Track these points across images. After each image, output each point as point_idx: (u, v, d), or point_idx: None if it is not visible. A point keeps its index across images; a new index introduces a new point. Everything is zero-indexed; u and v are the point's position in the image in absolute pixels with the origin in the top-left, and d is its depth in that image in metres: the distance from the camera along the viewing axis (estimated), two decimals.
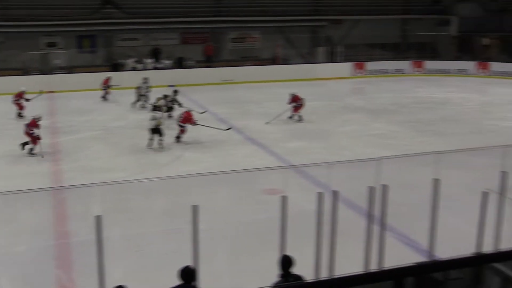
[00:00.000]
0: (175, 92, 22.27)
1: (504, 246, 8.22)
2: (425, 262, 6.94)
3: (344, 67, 34.19)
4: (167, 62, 32.76)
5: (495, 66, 34.28)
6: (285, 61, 34.97)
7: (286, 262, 6.97)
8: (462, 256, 3.87)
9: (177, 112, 20.40)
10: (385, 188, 8.13)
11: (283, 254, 7.42)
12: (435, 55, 37.57)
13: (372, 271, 7.76)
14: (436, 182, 8.38)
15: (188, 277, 6.74)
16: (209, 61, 34.33)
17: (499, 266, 7.02)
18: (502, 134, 19.54)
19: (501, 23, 39.13)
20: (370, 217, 8.32)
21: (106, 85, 26.08)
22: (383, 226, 8.37)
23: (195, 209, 7.35)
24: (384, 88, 29.80)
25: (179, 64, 33.11)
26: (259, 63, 34.11)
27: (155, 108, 20.58)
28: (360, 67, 34.38)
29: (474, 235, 8.56)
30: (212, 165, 15.81)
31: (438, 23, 38.97)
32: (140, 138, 18.42)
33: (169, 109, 21.56)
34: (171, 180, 12.43)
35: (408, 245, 10.63)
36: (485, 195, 8.46)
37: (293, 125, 21.08)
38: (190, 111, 19.18)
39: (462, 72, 34.66)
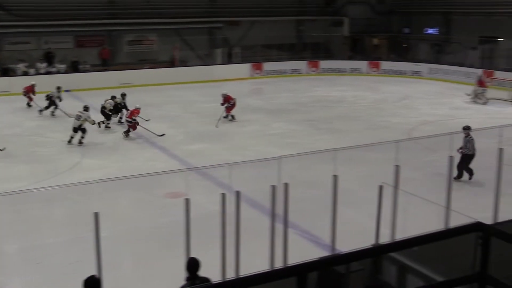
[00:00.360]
0: (123, 95, 22.11)
1: (399, 236, 8.62)
2: (327, 256, 7.16)
3: (242, 68, 34.53)
4: (61, 67, 31.65)
5: (385, 65, 35.93)
6: (183, 63, 34.80)
7: (193, 264, 6.94)
8: (361, 248, 4.03)
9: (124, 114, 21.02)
10: (286, 186, 8.30)
11: (189, 257, 7.40)
12: (330, 55, 38.78)
13: (276, 268, 7.91)
14: (335, 178, 8.67)
15: (93, 287, 6.55)
16: (105, 64, 33.53)
17: (395, 255, 7.37)
18: (394, 130, 20.47)
19: (389, 24, 41.05)
20: (273, 215, 8.46)
21: (29, 92, 24.43)
22: (286, 223, 8.54)
23: (96, 217, 7.18)
24: (282, 88, 30.38)
25: (74, 68, 32.09)
26: (157, 66, 33.73)
27: (103, 108, 20.64)
28: (258, 67, 34.86)
29: (372, 228, 8.93)
30: (113, 170, 15.46)
31: (331, 24, 40.25)
32: (37, 146, 17.70)
33: (117, 110, 21.41)
34: (71, 188, 12.05)
35: (311, 241, 10.91)
36: (381, 189, 8.84)
37: (193, 128, 21.02)
38: (138, 108, 19.76)
39: (355, 71, 36.04)
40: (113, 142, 19.04)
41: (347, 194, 10.79)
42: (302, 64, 36.13)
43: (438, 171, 12.78)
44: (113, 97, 21.50)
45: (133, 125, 19.51)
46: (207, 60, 36.23)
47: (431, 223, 8.55)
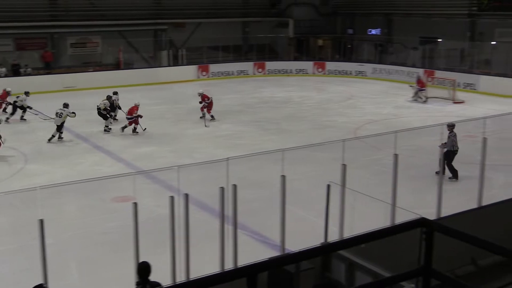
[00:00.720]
0: (115, 93, 22.19)
1: (347, 234, 8.77)
2: (277, 256, 7.22)
3: (188, 70, 34.38)
4: (1, 70, 30.74)
5: (330, 65, 36.44)
6: (128, 65, 34.38)
7: (143, 269, 6.89)
8: (310, 247, 4.08)
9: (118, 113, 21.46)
10: (235, 187, 8.32)
11: (139, 261, 7.33)
12: (275, 56, 39.07)
13: (226, 270, 7.92)
14: (283, 178, 8.74)
15: None
16: (48, 67, 32.77)
17: (344, 253, 7.50)
18: (340, 129, 20.79)
19: (333, 25, 41.69)
20: (222, 217, 8.46)
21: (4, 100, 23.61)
22: (235, 225, 8.55)
23: (41, 224, 7.02)
24: (229, 90, 30.40)
25: (15, 71, 31.21)
26: (102, 69, 33.21)
27: (98, 109, 20.71)
28: (204, 69, 34.77)
29: (321, 226, 9.04)
30: (58, 176, 15.11)
31: (276, 25, 40.55)
32: None
33: (113, 109, 21.30)
34: (14, 195, 11.74)
35: (261, 242, 10.96)
36: (328, 188, 8.96)
37: (140, 131, 20.79)
38: (137, 105, 20.22)
39: (301, 72, 36.39)
40: (58, 147, 18.62)
41: (296, 193, 10.89)
42: (248, 66, 36.24)
43: (384, 169, 13.06)
44: (108, 97, 21.38)
45: (135, 120, 20.04)
46: (152, 62, 35.91)
47: (378, 220, 8.71)
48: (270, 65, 36.57)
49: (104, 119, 20.69)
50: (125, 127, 20.20)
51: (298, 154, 13.63)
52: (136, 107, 20.22)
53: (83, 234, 11.56)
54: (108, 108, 20.90)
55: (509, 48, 29.97)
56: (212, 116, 22.30)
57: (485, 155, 10.51)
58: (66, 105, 19.49)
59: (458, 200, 11.56)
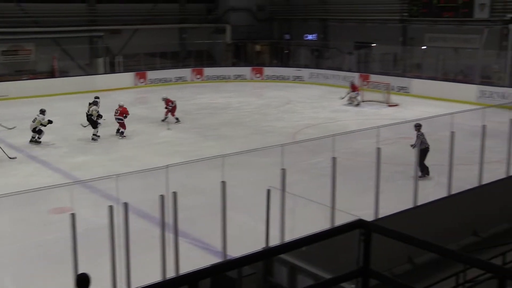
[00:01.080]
0: (97, 98, 21.90)
1: (288, 237, 8.84)
2: (219, 262, 7.20)
3: (126, 77, 33.91)
4: None
5: (268, 71, 36.75)
6: (63, 73, 33.59)
7: (82, 281, 6.73)
8: (252, 252, 4.09)
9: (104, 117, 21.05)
10: (175, 195, 8.25)
11: (78, 273, 7.16)
12: (213, 62, 39.05)
13: (168, 278, 7.83)
14: (223, 184, 8.73)
15: None
16: None
17: (285, 257, 7.55)
18: (279, 134, 20.96)
19: (270, 31, 42.04)
20: (163, 225, 8.38)
21: None
22: (176, 233, 8.48)
23: None
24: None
25: None
26: (36, 77, 32.30)
27: (89, 116, 20.63)
28: (141, 76, 34.37)
29: (262, 231, 9.08)
30: None
31: (214, 31, 40.56)
32: None
33: (99, 117, 20.69)
34: None
35: (202, 249, 10.92)
36: (268, 192, 9.01)
37: (77, 140, 20.34)
38: (124, 107, 20.90)
39: (239, 78, 36.52)
40: None
41: (236, 199, 10.90)
42: (186, 72, 36.08)
43: (323, 173, 13.24)
44: (95, 103, 21.00)
45: (123, 123, 20.65)
46: (89, 69, 35.21)
47: (318, 223, 8.83)
48: (208, 71, 36.53)
49: (93, 127, 20.38)
50: (122, 132, 20.59)
51: (238, 160, 13.62)
52: (125, 108, 20.85)
53: (18, 248, 11.20)
54: (100, 114, 20.65)
55: (438, 53, 31.09)
56: (177, 119, 23.17)
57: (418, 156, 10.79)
58: (42, 112, 19.85)
59: (395, 200, 11.85)
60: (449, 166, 11.45)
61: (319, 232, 4.03)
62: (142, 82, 34.22)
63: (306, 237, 3.91)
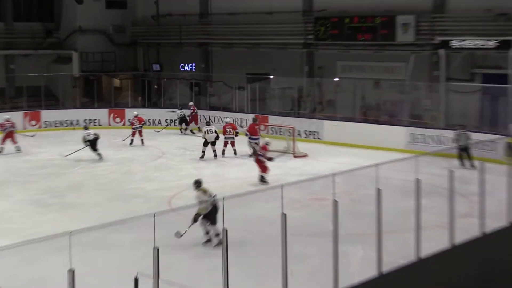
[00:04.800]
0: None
1: None
2: None
3: None
4: None
5: (130, 114, 36.13)
6: None
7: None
8: None
9: None
10: None
11: None
12: (55, 103, 38.24)
13: None
14: (71, 274, 8.35)
15: None
16: None
17: None
18: (149, 199, 20.65)
19: (133, 59, 42.02)
20: None
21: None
22: None
23: None
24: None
25: None
26: None
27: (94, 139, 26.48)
28: None
29: None
30: None
31: (54, 60, 40.00)
32: None
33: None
34: None
35: None
36: (136, 282, 8.72)
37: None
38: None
39: (92, 123, 35.72)
40: None
41: None
42: (16, 117, 34.95)
43: (211, 250, 13.07)
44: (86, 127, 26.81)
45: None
46: None
47: None
48: (47, 115, 35.70)
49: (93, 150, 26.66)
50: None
51: (91, 238, 13.20)
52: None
53: None
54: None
55: (355, 86, 32.10)
56: (142, 140, 30.43)
57: (337, 223, 10.91)
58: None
59: (312, 286, 11.87)
60: (377, 236, 11.59)
61: None
62: None
63: None
